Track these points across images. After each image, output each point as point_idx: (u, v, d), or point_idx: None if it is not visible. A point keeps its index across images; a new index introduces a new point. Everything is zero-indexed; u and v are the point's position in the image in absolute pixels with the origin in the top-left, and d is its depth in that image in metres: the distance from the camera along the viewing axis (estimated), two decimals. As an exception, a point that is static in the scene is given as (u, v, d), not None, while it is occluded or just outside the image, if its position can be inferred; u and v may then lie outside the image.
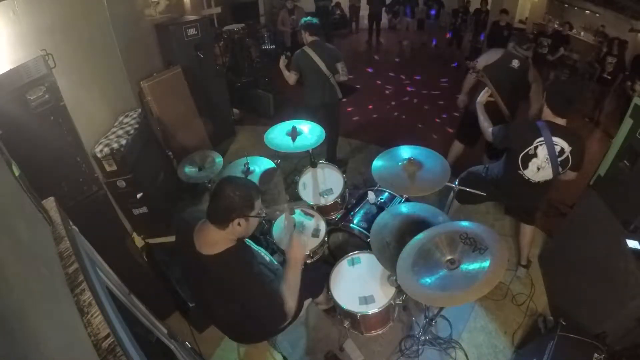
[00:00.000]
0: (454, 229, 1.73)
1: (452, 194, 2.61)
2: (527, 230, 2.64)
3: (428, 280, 1.57)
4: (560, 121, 2.12)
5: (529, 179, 2.24)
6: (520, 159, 2.20)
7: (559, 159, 2.12)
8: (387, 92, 6.27)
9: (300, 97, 3.50)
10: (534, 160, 2.17)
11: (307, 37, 3.23)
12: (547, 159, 2.13)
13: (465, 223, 1.76)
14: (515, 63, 3.01)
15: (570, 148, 2.09)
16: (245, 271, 1.45)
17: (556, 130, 2.09)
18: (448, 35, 7.83)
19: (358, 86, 6.24)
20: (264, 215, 1.48)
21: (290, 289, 1.57)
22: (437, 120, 5.17)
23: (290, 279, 1.59)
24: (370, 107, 5.67)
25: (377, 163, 2.22)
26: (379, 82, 6.64)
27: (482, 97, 2.53)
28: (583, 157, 2.15)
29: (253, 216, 1.40)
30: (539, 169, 2.18)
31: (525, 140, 2.15)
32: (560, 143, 2.09)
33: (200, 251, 1.41)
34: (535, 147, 2.12)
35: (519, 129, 2.23)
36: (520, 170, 2.23)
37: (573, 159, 2.13)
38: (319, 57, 3.17)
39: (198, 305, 1.90)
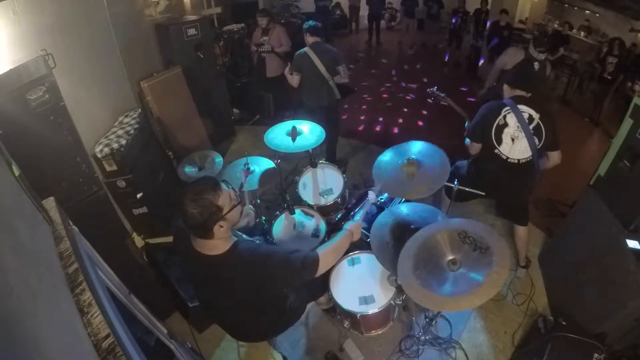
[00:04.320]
0: (451, 226, 1.73)
1: (442, 192, 2.65)
2: (521, 231, 2.61)
3: (434, 286, 1.54)
4: (520, 93, 2.25)
5: (507, 157, 2.26)
6: (493, 134, 2.25)
7: (531, 127, 2.17)
8: (386, 92, 6.27)
9: (300, 98, 3.51)
10: (506, 130, 2.22)
11: (309, 39, 3.26)
12: (518, 127, 2.19)
13: (461, 220, 1.75)
14: (536, 65, 3.26)
15: (538, 115, 2.17)
16: (259, 251, 1.44)
17: (519, 99, 2.22)
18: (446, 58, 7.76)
19: (356, 88, 6.21)
20: (237, 202, 1.40)
21: (331, 252, 1.56)
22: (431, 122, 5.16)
23: (338, 245, 1.61)
24: (370, 107, 5.67)
25: (380, 161, 2.21)
26: (379, 82, 6.64)
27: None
28: (556, 129, 2.21)
29: (228, 212, 1.34)
30: (513, 139, 2.21)
31: (493, 112, 2.25)
32: (526, 110, 2.19)
33: (205, 253, 1.40)
34: (504, 116, 2.22)
35: (486, 107, 2.32)
36: (496, 149, 2.27)
37: (546, 129, 2.17)
38: (319, 59, 3.19)
39: (202, 306, 1.89)
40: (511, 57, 3.38)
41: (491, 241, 1.60)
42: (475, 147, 2.38)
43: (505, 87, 2.33)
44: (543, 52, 3.25)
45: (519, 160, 2.25)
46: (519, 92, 2.25)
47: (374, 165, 2.20)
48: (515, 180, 2.35)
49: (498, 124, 2.23)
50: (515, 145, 2.22)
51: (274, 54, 4.58)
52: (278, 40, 4.53)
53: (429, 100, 2.84)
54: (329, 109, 3.45)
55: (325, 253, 1.52)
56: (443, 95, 2.74)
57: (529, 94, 2.26)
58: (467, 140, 2.41)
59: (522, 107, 2.18)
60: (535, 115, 2.17)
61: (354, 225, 1.73)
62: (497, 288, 1.46)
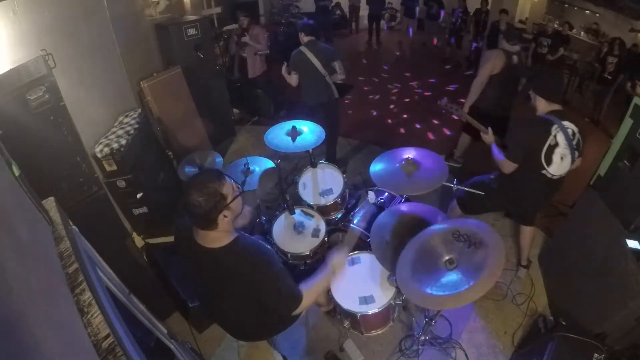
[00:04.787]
0: (444, 228, 1.73)
1: (454, 201, 2.60)
2: (527, 231, 2.62)
3: (431, 284, 1.56)
4: (557, 107, 2.16)
5: (552, 176, 2.18)
6: (543, 155, 2.13)
7: (573, 142, 2.12)
8: (386, 92, 6.27)
9: (299, 97, 3.52)
10: (556, 150, 2.12)
11: (303, 38, 3.30)
12: (566, 145, 2.12)
13: (452, 220, 1.76)
14: (515, 59, 3.22)
15: (577, 129, 2.13)
16: (261, 250, 1.46)
17: (561, 115, 2.13)
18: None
19: (352, 85, 6.20)
20: (239, 192, 1.44)
21: (314, 291, 1.60)
22: (436, 122, 5.16)
23: (320, 283, 1.65)
24: (370, 107, 5.68)
25: (375, 166, 2.21)
26: (380, 82, 6.65)
27: (490, 137, 2.41)
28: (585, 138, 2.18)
29: (231, 201, 1.37)
30: (562, 158, 2.14)
31: (545, 132, 2.12)
32: (570, 126, 2.12)
33: (207, 246, 1.41)
34: (555, 135, 2.11)
35: (533, 127, 2.18)
36: (544, 169, 2.17)
37: (583, 142, 2.15)
38: (314, 56, 3.24)
39: (203, 304, 1.89)
40: (497, 60, 3.25)
41: (483, 234, 1.62)
42: (512, 167, 2.22)
43: (541, 101, 2.17)
44: (516, 44, 3.24)
45: (560, 176, 2.21)
46: (556, 107, 2.15)
47: (371, 172, 2.18)
48: (551, 193, 2.37)
49: (550, 145, 2.11)
50: (562, 163, 2.16)
51: (256, 55, 4.73)
52: (256, 39, 4.65)
53: (442, 111, 2.73)
54: (329, 106, 3.48)
55: (308, 294, 1.56)
56: (457, 108, 2.62)
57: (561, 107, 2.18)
58: (502, 157, 2.24)
59: (566, 123, 2.10)
60: (576, 130, 2.12)
61: (336, 262, 1.75)
62: (495, 277, 1.47)
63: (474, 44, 6.92)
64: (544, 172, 2.18)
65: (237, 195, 1.41)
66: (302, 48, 3.27)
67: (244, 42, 4.59)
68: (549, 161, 2.15)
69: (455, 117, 2.88)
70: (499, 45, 3.47)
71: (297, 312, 1.54)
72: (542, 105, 2.18)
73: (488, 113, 3.03)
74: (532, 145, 2.15)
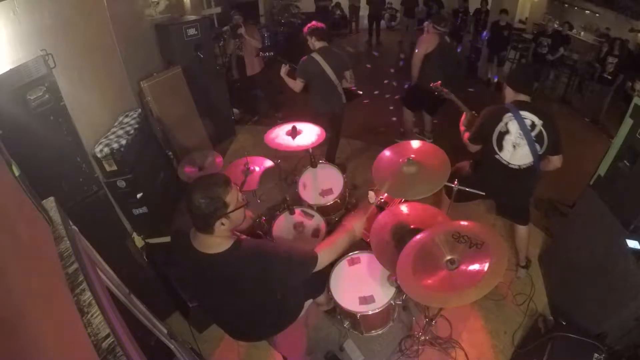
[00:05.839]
0: (443, 229, 1.73)
1: (442, 192, 2.67)
2: (521, 231, 2.60)
3: (436, 284, 1.56)
4: (524, 97, 2.20)
5: (507, 163, 2.24)
6: (494, 140, 2.23)
7: (532, 134, 2.14)
8: (386, 92, 6.26)
9: (300, 98, 3.49)
10: (507, 137, 2.20)
11: (315, 43, 3.09)
12: (520, 134, 2.16)
13: (452, 222, 1.76)
14: (447, 39, 3.65)
15: (541, 122, 2.13)
16: (261, 249, 1.47)
17: (522, 105, 2.17)
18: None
19: (360, 92, 6.17)
20: (243, 204, 1.43)
21: (330, 250, 1.57)
22: (435, 121, 5.15)
23: (337, 242, 1.60)
24: (371, 107, 5.67)
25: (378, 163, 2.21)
26: (379, 82, 6.64)
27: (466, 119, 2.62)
28: (558, 134, 2.17)
29: (232, 211, 1.35)
30: (514, 146, 2.19)
31: (496, 118, 2.21)
32: (529, 117, 2.14)
33: (205, 251, 1.40)
34: (506, 123, 2.18)
35: (489, 112, 2.29)
36: (497, 154, 2.25)
37: (548, 136, 2.14)
38: (327, 64, 3.04)
39: (201, 307, 1.88)
40: (430, 41, 3.56)
41: (485, 236, 1.62)
42: (473, 147, 2.39)
43: (509, 90, 2.25)
44: (445, 26, 3.61)
45: (519, 166, 2.23)
46: (522, 97, 2.20)
47: (374, 164, 2.19)
48: (516, 185, 2.36)
49: (500, 131, 2.20)
50: (516, 152, 2.20)
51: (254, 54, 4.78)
52: (252, 35, 4.71)
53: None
54: (336, 114, 3.37)
55: (324, 250, 1.55)
56: (447, 91, 2.80)
57: (531, 99, 2.21)
58: (469, 140, 2.40)
59: (524, 113, 2.13)
60: (538, 122, 2.13)
61: (355, 222, 1.70)
62: (498, 278, 1.47)
63: (485, 33, 6.77)
64: (497, 157, 2.26)
65: (240, 206, 1.39)
66: (315, 55, 3.04)
67: (240, 34, 4.61)
68: (500, 147, 2.24)
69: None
70: (426, 30, 3.74)
71: (317, 268, 1.52)
72: (509, 95, 2.25)
73: (429, 90, 3.04)
74: (484, 130, 2.27)
